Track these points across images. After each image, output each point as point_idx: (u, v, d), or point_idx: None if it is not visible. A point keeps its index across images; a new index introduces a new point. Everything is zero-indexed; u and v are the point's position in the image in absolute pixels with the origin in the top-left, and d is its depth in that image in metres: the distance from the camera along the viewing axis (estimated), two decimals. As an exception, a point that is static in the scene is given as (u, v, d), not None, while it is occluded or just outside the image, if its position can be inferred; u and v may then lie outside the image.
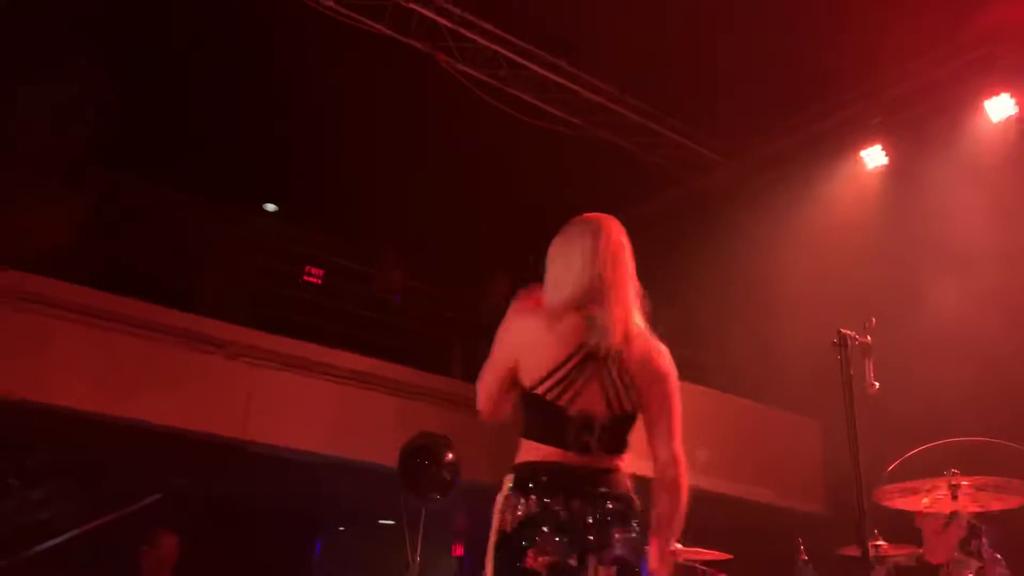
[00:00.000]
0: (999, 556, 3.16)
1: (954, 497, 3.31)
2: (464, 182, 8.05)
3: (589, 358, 2.34)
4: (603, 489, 2.31)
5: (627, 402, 2.37)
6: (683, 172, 8.02)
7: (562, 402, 2.32)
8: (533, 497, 2.28)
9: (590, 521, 2.27)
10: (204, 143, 7.71)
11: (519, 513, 2.28)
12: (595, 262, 2.44)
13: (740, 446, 7.71)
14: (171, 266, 7.48)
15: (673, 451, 2.42)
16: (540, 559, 2.24)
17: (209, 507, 8.51)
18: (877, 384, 3.07)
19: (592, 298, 2.39)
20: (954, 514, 3.31)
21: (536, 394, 2.34)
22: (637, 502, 2.36)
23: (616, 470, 2.37)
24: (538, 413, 2.35)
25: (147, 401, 6.35)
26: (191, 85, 7.26)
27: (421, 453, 5.54)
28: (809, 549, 4.08)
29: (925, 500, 3.46)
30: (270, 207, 9.84)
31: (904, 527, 4.16)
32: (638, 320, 2.48)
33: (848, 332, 3.10)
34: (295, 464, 7.35)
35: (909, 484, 3.40)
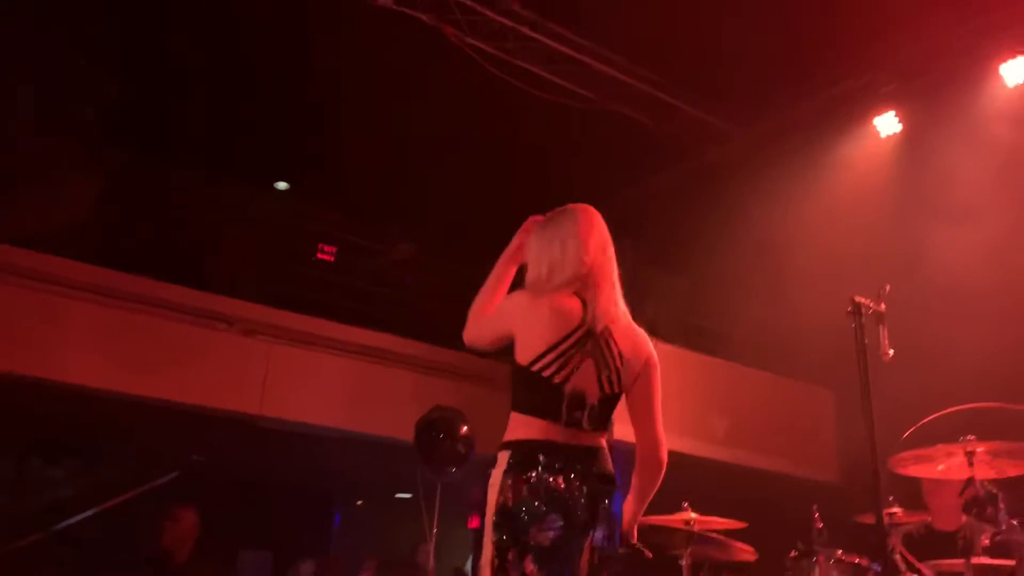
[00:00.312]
0: (1016, 522, 3.16)
1: (970, 463, 3.32)
2: (474, 156, 8.02)
3: (585, 339, 2.46)
4: (594, 468, 2.43)
5: (616, 384, 2.50)
6: (695, 143, 7.97)
7: (557, 380, 2.43)
8: (532, 474, 2.35)
9: (583, 499, 2.38)
10: (215, 121, 7.70)
11: (520, 490, 2.34)
12: (588, 249, 2.57)
13: (753, 417, 7.72)
14: (184, 245, 7.52)
15: (657, 432, 2.57)
16: (542, 534, 2.32)
17: (228, 483, 8.62)
18: (892, 351, 3.06)
19: (585, 283, 2.53)
20: (969, 480, 3.30)
21: (533, 371, 2.43)
22: (616, 479, 2.50)
23: (602, 447, 2.50)
24: (534, 389, 2.44)
25: (163, 379, 6.41)
26: (202, 63, 7.24)
27: (436, 427, 5.58)
28: (823, 517, 4.09)
29: (941, 467, 3.47)
30: (281, 186, 9.85)
31: (919, 494, 4.17)
32: (623, 306, 2.62)
33: (862, 300, 3.09)
34: (312, 439, 7.42)
35: (924, 451, 3.41)
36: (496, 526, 2.34)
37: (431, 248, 8.58)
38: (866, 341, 3.05)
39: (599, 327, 2.48)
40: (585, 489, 2.39)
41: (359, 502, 10.55)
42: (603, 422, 2.50)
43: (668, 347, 7.84)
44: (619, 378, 2.50)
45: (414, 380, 7.58)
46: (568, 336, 2.45)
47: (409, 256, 8.63)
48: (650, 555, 2.81)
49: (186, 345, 6.63)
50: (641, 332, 2.62)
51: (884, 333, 3.09)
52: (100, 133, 6.66)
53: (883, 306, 3.10)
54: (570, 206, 2.69)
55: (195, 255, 7.51)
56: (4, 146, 6.15)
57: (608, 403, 2.50)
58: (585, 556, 2.38)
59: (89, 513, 4.10)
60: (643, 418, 2.56)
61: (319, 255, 8.60)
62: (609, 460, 2.50)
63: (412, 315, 8.20)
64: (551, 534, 2.32)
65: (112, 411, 6.58)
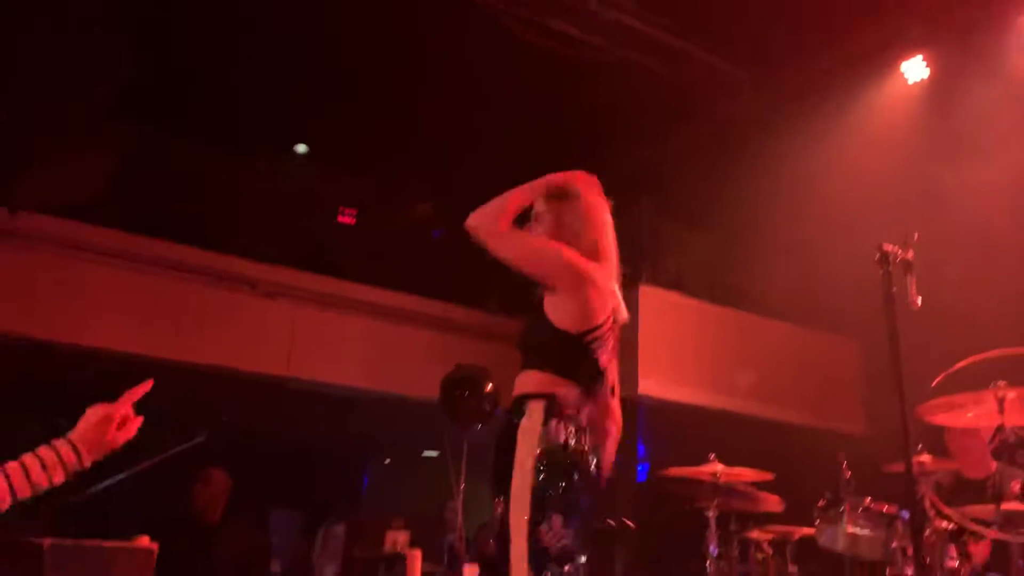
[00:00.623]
0: (1045, 468, 3.14)
1: (1000, 410, 3.28)
2: (489, 114, 7.95)
3: (615, 324, 2.60)
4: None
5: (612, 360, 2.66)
6: (716, 94, 7.83)
7: (597, 355, 2.55)
8: (571, 427, 2.41)
9: (591, 461, 2.47)
10: (234, 85, 7.68)
11: (563, 440, 2.38)
12: (611, 235, 2.73)
13: (779, 370, 7.70)
14: (206, 209, 7.54)
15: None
16: (582, 489, 2.39)
17: (258, 444, 8.73)
18: (920, 299, 3.01)
19: (615, 272, 2.68)
20: (999, 428, 3.28)
21: (584, 341, 2.51)
22: None
23: None
24: (576, 356, 2.51)
25: (190, 342, 6.49)
26: (221, 28, 7.19)
27: (461, 384, 5.60)
28: (852, 468, 4.08)
29: (970, 414, 3.44)
30: (301, 148, 9.83)
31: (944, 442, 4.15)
32: None
33: (890, 248, 3.04)
34: (338, 400, 7.49)
35: (953, 398, 3.37)
36: (537, 472, 2.34)
37: (451, 207, 8.55)
38: (893, 290, 3.01)
39: (620, 317, 2.63)
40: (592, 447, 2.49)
41: (387, 461, 10.67)
42: None
43: (693, 302, 7.81)
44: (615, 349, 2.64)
45: (438, 340, 7.61)
46: (607, 318, 2.55)
47: (428, 216, 8.61)
48: (635, 527, 2.94)
49: (211, 308, 6.70)
50: None
51: (912, 281, 3.04)
52: (119, 99, 6.66)
53: (911, 254, 3.05)
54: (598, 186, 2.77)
55: (218, 219, 7.54)
56: (24, 114, 6.18)
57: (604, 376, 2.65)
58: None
59: (121, 476, 4.16)
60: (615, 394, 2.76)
61: (340, 218, 8.61)
62: None
63: (435, 275, 8.21)
64: (585, 493, 2.40)
65: (139, 374, 6.64)
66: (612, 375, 2.70)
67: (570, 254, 2.53)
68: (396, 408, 7.64)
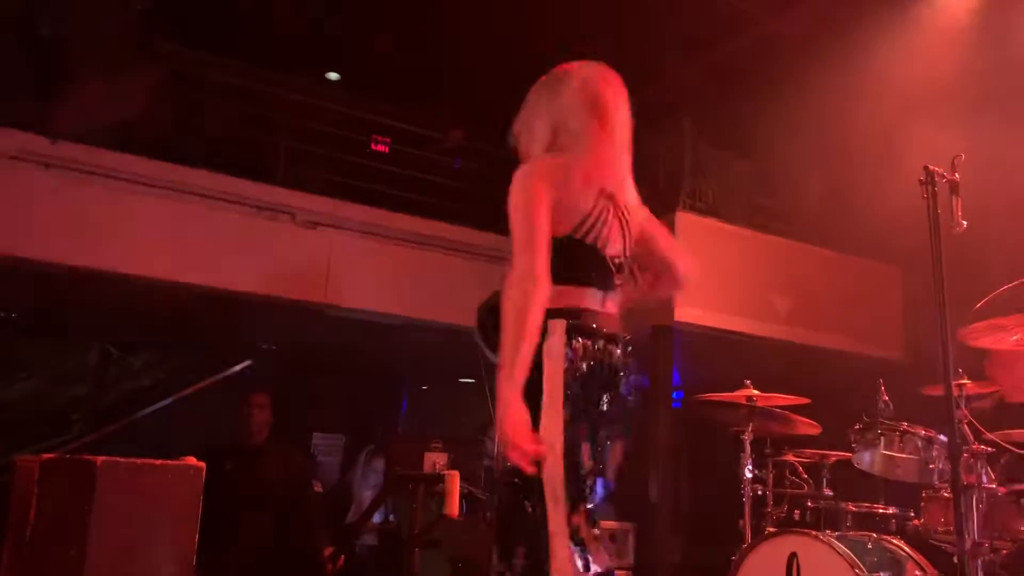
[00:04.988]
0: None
1: (1044, 333, 3.25)
2: (525, 39, 7.81)
3: (609, 199, 2.42)
4: (626, 335, 2.42)
5: (631, 242, 2.50)
6: (757, 11, 7.60)
7: (599, 245, 2.39)
8: (596, 341, 2.30)
9: (622, 368, 2.37)
10: (266, 15, 7.62)
11: (589, 357, 2.28)
12: (607, 114, 2.48)
13: (818, 296, 7.64)
14: (242, 139, 7.57)
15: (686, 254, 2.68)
16: (610, 403, 2.29)
17: (299, 369, 8.91)
18: (965, 223, 2.96)
19: (610, 147, 2.47)
20: (1043, 351, 3.25)
21: (576, 239, 2.36)
22: None
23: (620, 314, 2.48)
24: (579, 258, 2.36)
25: (230, 270, 6.59)
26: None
27: (497, 312, 5.63)
28: (890, 392, 4.08)
29: (1015, 337, 3.40)
30: (332, 76, 9.76)
31: (986, 367, 4.12)
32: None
33: (936, 168, 2.97)
34: (376, 327, 7.59)
35: (998, 321, 3.34)
36: (568, 398, 2.23)
37: (485, 135, 8.49)
38: (938, 212, 2.95)
39: (612, 189, 2.44)
40: (624, 357, 2.38)
41: (424, 387, 10.84)
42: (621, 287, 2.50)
43: (731, 228, 7.73)
44: (632, 236, 2.50)
45: (474, 267, 7.65)
46: (597, 201, 2.40)
47: (461, 143, 8.54)
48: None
49: (250, 236, 6.78)
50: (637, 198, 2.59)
51: (958, 203, 2.98)
52: (154, 27, 6.66)
53: (957, 175, 2.98)
54: (580, 69, 2.60)
55: (254, 148, 7.56)
56: (59, 43, 6.19)
57: (627, 267, 2.51)
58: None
59: (168, 401, 4.28)
60: (668, 248, 2.65)
61: (374, 146, 8.59)
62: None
63: (469, 203, 8.19)
64: (615, 403, 2.31)
65: (184, 302, 6.80)
66: (635, 226, 2.51)
67: (522, 213, 2.33)
68: (433, 335, 7.73)
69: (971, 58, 6.65)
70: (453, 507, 4.69)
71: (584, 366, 2.26)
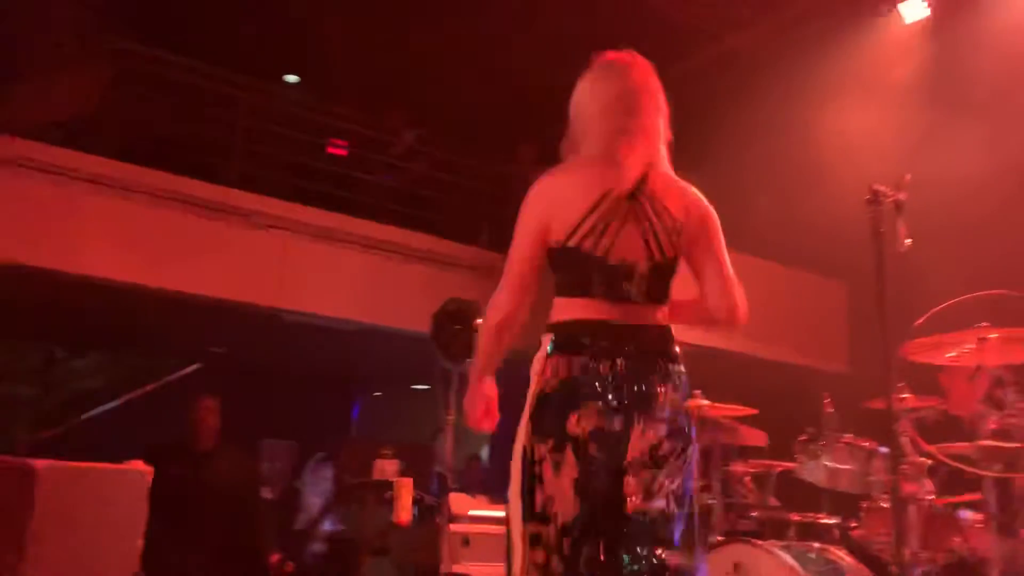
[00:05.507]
0: (1022, 406, 3.22)
1: (982, 349, 3.35)
2: (487, 49, 7.86)
3: (619, 201, 2.17)
4: (648, 346, 2.17)
5: (668, 247, 2.22)
6: (712, 29, 7.74)
7: (599, 251, 2.16)
8: (576, 358, 2.13)
9: (636, 383, 2.12)
10: (223, 12, 7.55)
11: (561, 375, 2.13)
12: (618, 108, 2.27)
13: (767, 309, 7.75)
14: (197, 138, 7.48)
15: (729, 290, 2.33)
16: (582, 423, 2.09)
17: (250, 374, 8.81)
18: (909, 241, 3.04)
19: (618, 143, 2.22)
20: (981, 367, 3.35)
21: (569, 246, 2.16)
22: (680, 354, 2.24)
23: (659, 322, 2.23)
24: (573, 266, 2.18)
25: (182, 271, 6.50)
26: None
27: (452, 318, 5.64)
28: (834, 404, 4.17)
29: (952, 353, 3.51)
30: (291, 79, 9.70)
31: (930, 381, 4.23)
32: (665, 161, 2.31)
33: (881, 188, 3.06)
34: (330, 332, 7.54)
35: (936, 338, 3.44)
36: (531, 418, 2.15)
37: (444, 144, 8.50)
38: (882, 230, 3.03)
39: (626, 185, 2.18)
40: (638, 371, 2.13)
41: (377, 393, 10.78)
42: (659, 293, 2.23)
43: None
44: (671, 240, 2.21)
45: (430, 273, 7.64)
46: (598, 202, 2.16)
47: (413, 144, 8.51)
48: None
49: (203, 238, 6.69)
50: (691, 188, 2.34)
51: (902, 222, 3.06)
52: (108, 23, 6.55)
53: (903, 195, 3.07)
54: (609, 57, 2.40)
55: (208, 148, 7.48)
56: (7, 37, 6.06)
57: (662, 271, 2.22)
58: (635, 447, 2.11)
59: (114, 404, 4.21)
60: (711, 277, 2.30)
61: (331, 149, 8.55)
62: (668, 334, 2.24)
63: (426, 209, 8.20)
64: (592, 423, 2.10)
65: (133, 303, 6.69)
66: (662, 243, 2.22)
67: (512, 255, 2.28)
68: (387, 341, 7.70)
69: (921, 79, 6.86)
70: (404, 514, 4.67)
71: (556, 382, 2.13)
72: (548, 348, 2.17)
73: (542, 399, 2.15)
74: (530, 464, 2.13)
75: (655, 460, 2.12)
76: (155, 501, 3.23)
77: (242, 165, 7.37)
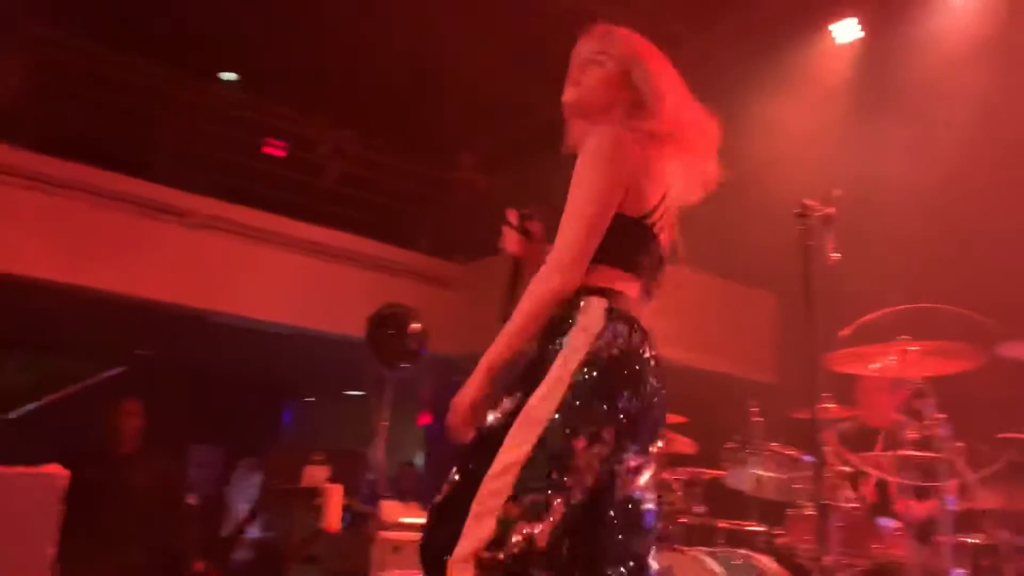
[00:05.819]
0: (941, 416, 3.32)
1: (903, 362, 3.45)
2: (426, 56, 7.84)
3: (670, 206, 2.16)
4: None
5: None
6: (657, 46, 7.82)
7: (659, 242, 2.11)
8: (633, 333, 1.96)
9: (657, 377, 2.01)
10: (160, 5, 7.39)
11: (621, 344, 1.92)
12: (689, 105, 2.29)
13: (697, 319, 7.87)
14: (130, 134, 7.31)
15: None
16: (634, 402, 1.91)
17: (178, 377, 8.61)
18: (837, 255, 3.10)
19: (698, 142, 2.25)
20: (900, 379, 3.45)
21: (646, 223, 2.05)
22: None
23: None
24: (636, 244, 2.05)
25: (110, 270, 6.33)
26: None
27: (388, 322, 5.59)
28: (761, 414, 4.25)
29: (875, 365, 3.60)
30: (228, 76, 9.54)
31: (853, 393, 4.34)
32: None
33: (811, 203, 3.12)
34: (262, 335, 7.43)
35: (859, 349, 3.53)
36: (601, 385, 1.86)
37: (387, 148, 8.45)
38: (811, 243, 3.09)
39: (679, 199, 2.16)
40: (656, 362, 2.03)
41: (310, 399, 10.64)
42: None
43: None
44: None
45: (366, 278, 7.58)
46: (666, 194, 2.12)
47: (343, 145, 8.43)
48: None
49: (134, 237, 6.53)
50: None
51: (831, 236, 3.13)
52: (33, 11, 6.35)
53: (831, 210, 3.13)
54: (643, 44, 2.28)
55: (142, 145, 7.31)
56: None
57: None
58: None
59: (36, 404, 4.07)
60: None
61: (268, 149, 8.43)
62: None
63: (363, 212, 8.13)
64: (640, 404, 1.92)
65: (59, 303, 6.49)
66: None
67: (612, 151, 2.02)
68: (321, 345, 7.61)
69: (852, 93, 7.06)
70: (333, 521, 4.61)
71: (625, 353, 1.93)
72: (604, 311, 1.94)
73: (617, 365, 1.90)
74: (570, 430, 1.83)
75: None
76: (73, 506, 3.12)
77: (175, 163, 7.22)
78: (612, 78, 2.18)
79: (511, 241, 2.24)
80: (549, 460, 1.80)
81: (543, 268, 1.97)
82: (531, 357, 2.02)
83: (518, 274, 2.23)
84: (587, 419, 1.84)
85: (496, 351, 1.96)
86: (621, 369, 1.91)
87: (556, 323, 1.96)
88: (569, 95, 2.23)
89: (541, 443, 1.81)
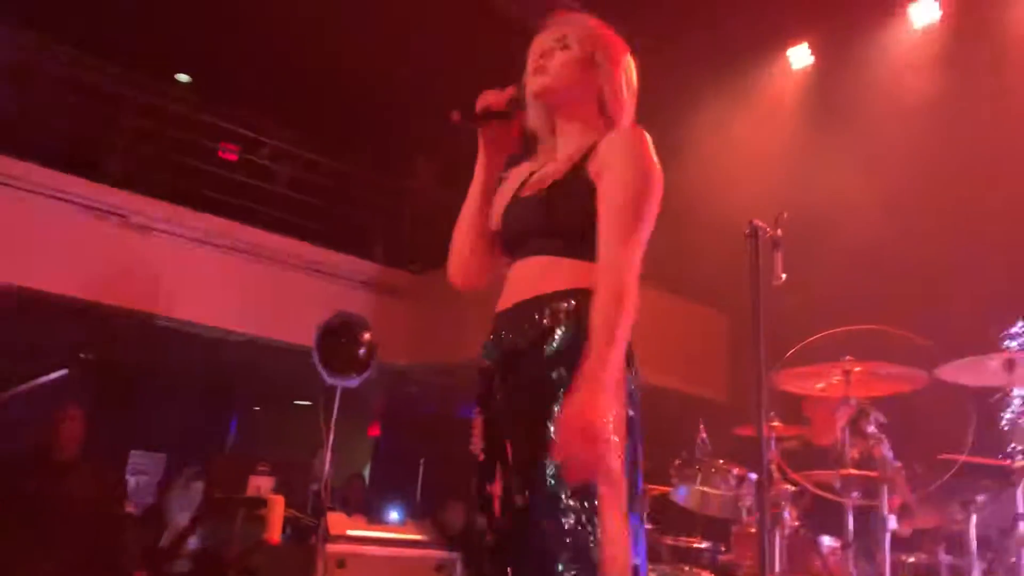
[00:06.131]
0: (883, 436, 3.37)
1: (847, 382, 3.51)
2: (385, 63, 7.82)
3: None
4: None
5: None
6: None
7: None
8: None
9: None
10: (114, 4, 7.27)
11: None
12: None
13: (650, 337, 7.92)
14: (79, 134, 7.16)
15: None
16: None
17: (121, 381, 8.43)
18: (784, 276, 3.14)
19: None
20: (845, 399, 3.51)
21: None
22: None
23: None
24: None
25: (54, 272, 6.17)
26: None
27: (338, 332, 5.54)
28: (710, 431, 4.29)
29: (820, 384, 3.66)
30: (183, 78, 9.41)
31: (799, 411, 4.41)
32: None
33: (760, 224, 3.16)
34: (209, 341, 7.30)
35: (805, 369, 3.58)
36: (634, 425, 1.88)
37: (343, 156, 8.40)
38: (760, 264, 3.13)
39: None
40: None
41: (256, 408, 10.48)
42: None
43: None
44: None
45: (319, 286, 7.51)
46: None
47: (295, 150, 8.35)
48: None
49: (79, 238, 6.38)
50: None
51: (779, 258, 3.16)
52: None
53: (780, 232, 3.17)
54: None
55: (90, 145, 7.16)
56: None
57: None
58: None
59: (-30, 409, 3.95)
60: None
61: (221, 153, 8.32)
62: None
63: (317, 219, 8.06)
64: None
65: (-3, 303, 6.32)
66: None
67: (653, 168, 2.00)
68: (271, 354, 7.50)
69: (803, 116, 7.20)
70: (274, 533, 4.53)
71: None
72: (629, 360, 1.90)
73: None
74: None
75: None
76: (7, 515, 3.02)
77: (124, 164, 7.09)
78: (579, 59, 2.15)
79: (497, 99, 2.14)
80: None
81: (606, 292, 1.87)
82: (519, 348, 1.92)
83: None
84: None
85: (608, 373, 1.79)
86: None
87: (553, 323, 1.91)
88: (538, 84, 2.14)
89: None
